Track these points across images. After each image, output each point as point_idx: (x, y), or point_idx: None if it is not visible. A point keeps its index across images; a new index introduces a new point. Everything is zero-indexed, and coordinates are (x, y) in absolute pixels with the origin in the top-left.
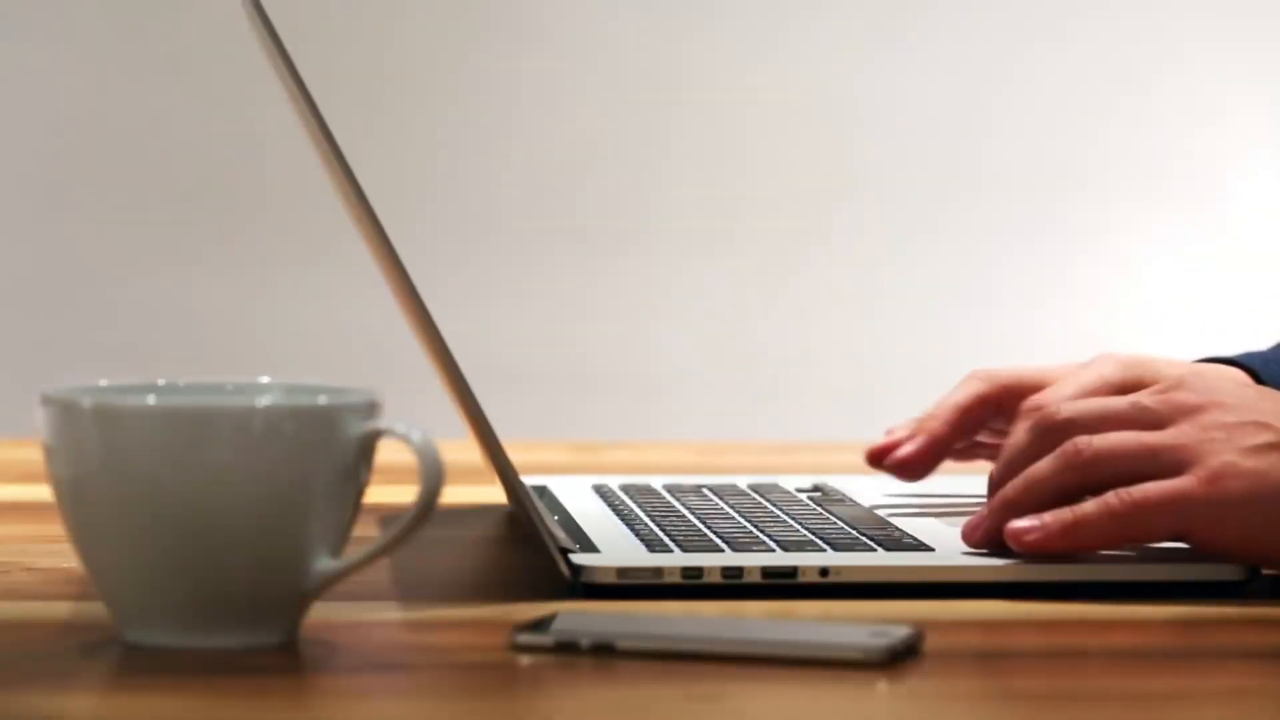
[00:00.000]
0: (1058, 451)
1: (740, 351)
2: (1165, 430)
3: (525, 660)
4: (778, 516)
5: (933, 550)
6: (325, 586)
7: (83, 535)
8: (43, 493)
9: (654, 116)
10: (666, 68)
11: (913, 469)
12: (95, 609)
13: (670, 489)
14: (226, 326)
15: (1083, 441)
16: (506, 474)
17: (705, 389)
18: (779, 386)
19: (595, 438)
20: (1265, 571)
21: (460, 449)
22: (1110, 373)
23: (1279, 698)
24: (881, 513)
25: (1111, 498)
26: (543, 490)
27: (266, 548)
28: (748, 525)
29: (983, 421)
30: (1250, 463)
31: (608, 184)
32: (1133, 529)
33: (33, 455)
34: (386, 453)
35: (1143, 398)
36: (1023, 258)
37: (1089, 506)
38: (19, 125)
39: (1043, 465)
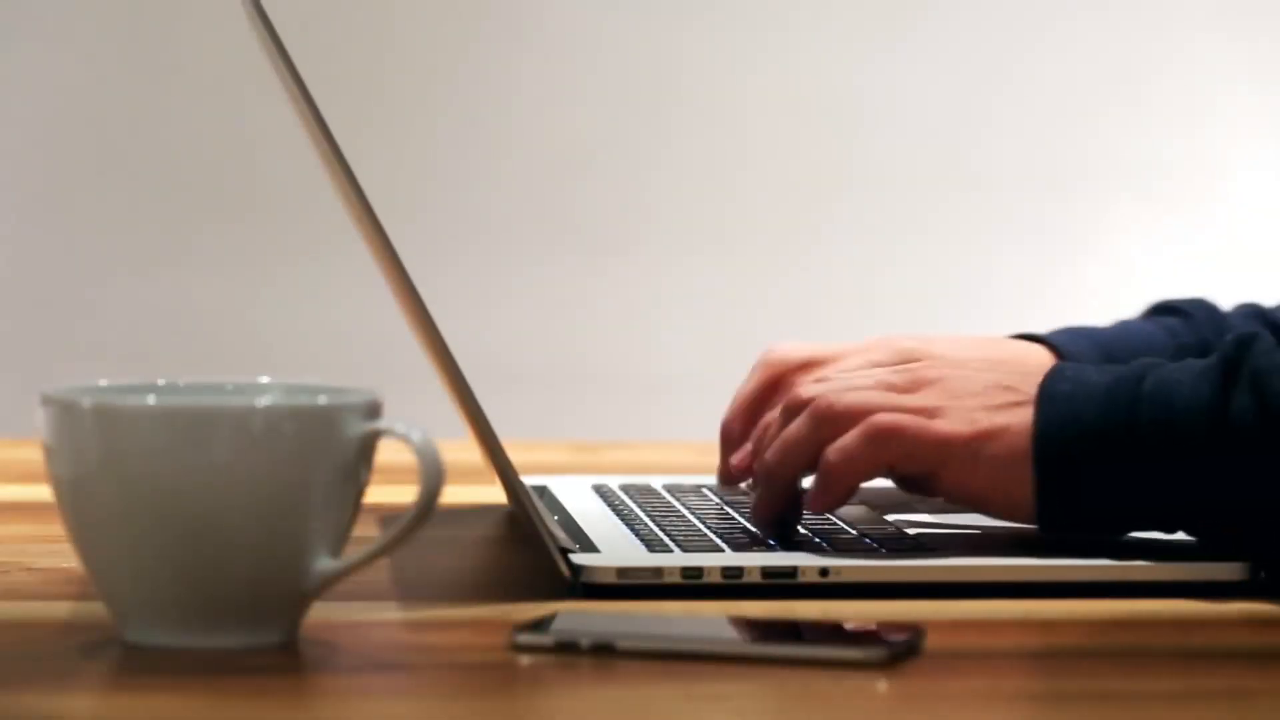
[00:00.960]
0: (807, 411)
1: (740, 351)
2: (911, 394)
3: (525, 660)
4: None
5: (933, 550)
6: (325, 586)
7: (83, 535)
8: (43, 493)
9: (654, 116)
10: (667, 68)
11: (734, 478)
12: (95, 609)
13: (670, 489)
14: (226, 326)
15: (832, 397)
16: (506, 474)
17: (705, 389)
18: None
19: (595, 438)
20: (1266, 567)
21: (460, 449)
22: (882, 359)
23: (1279, 698)
24: (881, 513)
25: (875, 419)
26: (543, 490)
27: (266, 548)
28: (747, 525)
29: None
30: (1001, 418)
31: (608, 184)
32: (891, 451)
33: (33, 455)
34: (386, 453)
35: (885, 374)
36: (1022, 257)
37: (848, 437)
38: (19, 125)
39: (794, 427)
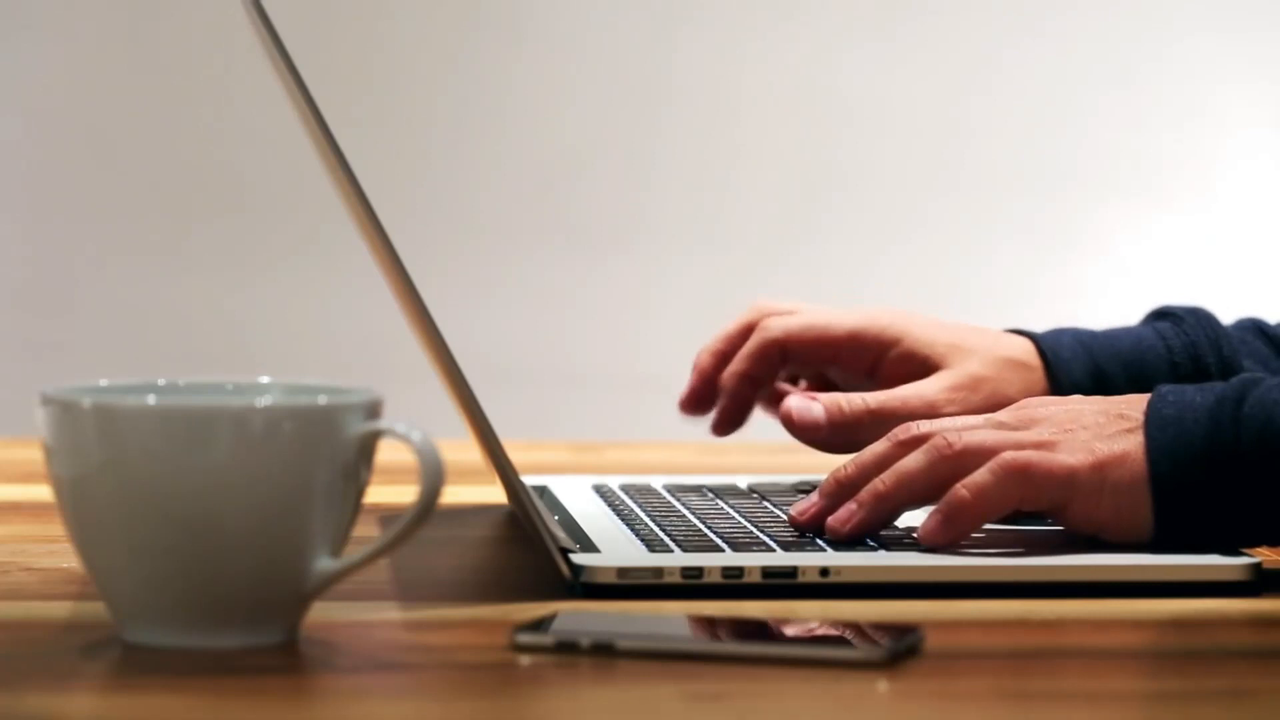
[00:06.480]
0: (927, 446)
1: None
2: (1026, 430)
3: (525, 660)
4: (777, 516)
5: (933, 550)
6: (325, 586)
7: (83, 535)
8: (43, 493)
9: (649, 116)
10: (661, 68)
11: (689, 405)
12: (95, 609)
13: (670, 489)
14: (226, 326)
15: (952, 436)
16: (506, 474)
17: None
18: None
19: (594, 437)
20: (1265, 564)
21: (460, 449)
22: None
23: (1279, 697)
24: None
25: (1005, 456)
26: (543, 490)
27: (266, 548)
28: (748, 525)
29: (741, 346)
30: (1119, 445)
31: (605, 184)
32: (1022, 489)
33: (33, 455)
34: (386, 453)
35: (996, 415)
36: (1014, 254)
37: (979, 475)
38: (18, 125)
39: (913, 459)
